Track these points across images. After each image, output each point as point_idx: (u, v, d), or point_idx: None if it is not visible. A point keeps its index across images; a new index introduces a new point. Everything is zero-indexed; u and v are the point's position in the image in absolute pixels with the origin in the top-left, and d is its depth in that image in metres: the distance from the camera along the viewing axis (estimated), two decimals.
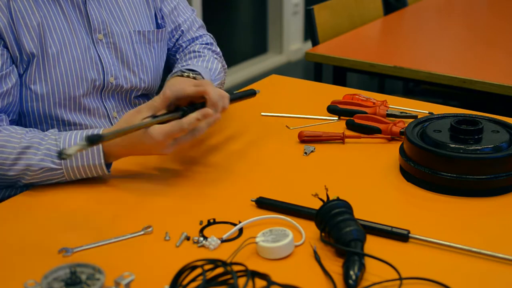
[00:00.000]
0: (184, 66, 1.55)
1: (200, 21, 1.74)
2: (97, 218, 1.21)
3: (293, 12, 4.92)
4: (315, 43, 2.61)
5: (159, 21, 1.60)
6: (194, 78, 1.47)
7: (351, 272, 1.01)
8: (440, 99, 2.97)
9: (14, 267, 1.08)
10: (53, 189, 1.30)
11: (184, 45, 1.68)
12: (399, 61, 2.28)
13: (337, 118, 1.60)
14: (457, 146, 1.29)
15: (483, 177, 1.26)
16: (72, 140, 1.29)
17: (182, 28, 1.67)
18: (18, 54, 1.38)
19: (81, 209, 1.24)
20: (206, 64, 1.60)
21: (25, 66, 1.40)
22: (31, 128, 1.35)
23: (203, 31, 1.74)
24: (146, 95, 1.60)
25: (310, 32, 2.65)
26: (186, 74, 1.47)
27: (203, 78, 1.48)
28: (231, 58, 4.41)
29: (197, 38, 1.70)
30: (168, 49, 1.67)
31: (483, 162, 1.27)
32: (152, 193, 1.29)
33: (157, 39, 1.58)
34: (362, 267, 1.02)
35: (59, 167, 1.28)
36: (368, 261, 1.04)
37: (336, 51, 2.44)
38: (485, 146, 1.29)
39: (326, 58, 2.40)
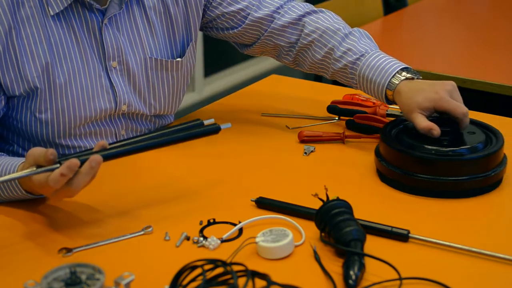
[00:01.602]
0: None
1: None
2: (97, 218, 1.21)
3: None
4: None
5: (190, 47, 1.51)
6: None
7: (351, 272, 1.01)
8: None
9: (14, 267, 1.08)
10: None
11: (277, 21, 1.52)
12: None
13: (337, 118, 1.60)
14: (432, 147, 1.28)
15: (459, 178, 1.25)
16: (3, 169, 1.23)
17: (249, 10, 1.52)
18: (15, 83, 1.32)
19: (81, 209, 1.24)
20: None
21: (25, 95, 1.34)
22: None
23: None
24: (159, 116, 1.54)
25: None
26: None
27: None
28: (231, 58, 4.41)
29: (281, 7, 1.54)
30: (244, 33, 1.54)
31: (457, 163, 1.26)
32: (152, 193, 1.29)
33: (176, 68, 1.49)
34: (362, 267, 1.02)
35: None
36: (368, 261, 1.04)
37: None
38: (461, 147, 1.28)
39: None
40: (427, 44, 2.50)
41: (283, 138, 1.51)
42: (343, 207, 1.11)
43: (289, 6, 1.53)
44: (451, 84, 1.35)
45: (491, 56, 2.38)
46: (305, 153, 1.44)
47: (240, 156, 1.45)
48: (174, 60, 1.48)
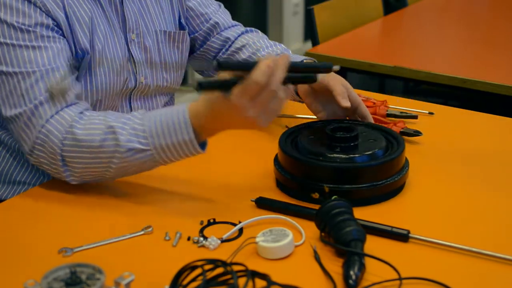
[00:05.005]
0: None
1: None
2: (97, 218, 1.21)
3: (293, 12, 4.92)
4: (315, 43, 2.61)
5: (182, 22, 1.58)
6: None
7: (351, 272, 1.01)
8: (440, 99, 2.98)
9: (14, 267, 1.08)
10: (53, 189, 1.30)
11: (230, 36, 1.65)
12: (399, 61, 2.28)
13: None
14: (330, 154, 1.25)
15: (357, 186, 1.22)
16: (157, 118, 1.21)
17: (215, 19, 1.64)
18: (73, 49, 1.36)
19: (81, 209, 1.24)
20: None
21: (79, 61, 1.37)
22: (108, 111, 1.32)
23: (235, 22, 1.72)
24: (166, 94, 1.58)
25: (310, 32, 2.65)
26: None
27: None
28: None
29: (235, 25, 1.69)
30: (198, 38, 1.65)
31: (354, 170, 1.22)
32: (152, 193, 1.29)
33: (180, 40, 1.56)
34: (362, 267, 1.02)
35: (147, 147, 1.21)
36: (368, 261, 1.04)
37: (336, 51, 2.44)
38: (361, 154, 1.24)
39: (326, 58, 2.40)
40: (427, 44, 2.51)
41: None
42: (343, 207, 1.11)
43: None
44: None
45: (491, 56, 2.38)
46: None
47: (240, 156, 1.45)
48: (181, 32, 1.56)
